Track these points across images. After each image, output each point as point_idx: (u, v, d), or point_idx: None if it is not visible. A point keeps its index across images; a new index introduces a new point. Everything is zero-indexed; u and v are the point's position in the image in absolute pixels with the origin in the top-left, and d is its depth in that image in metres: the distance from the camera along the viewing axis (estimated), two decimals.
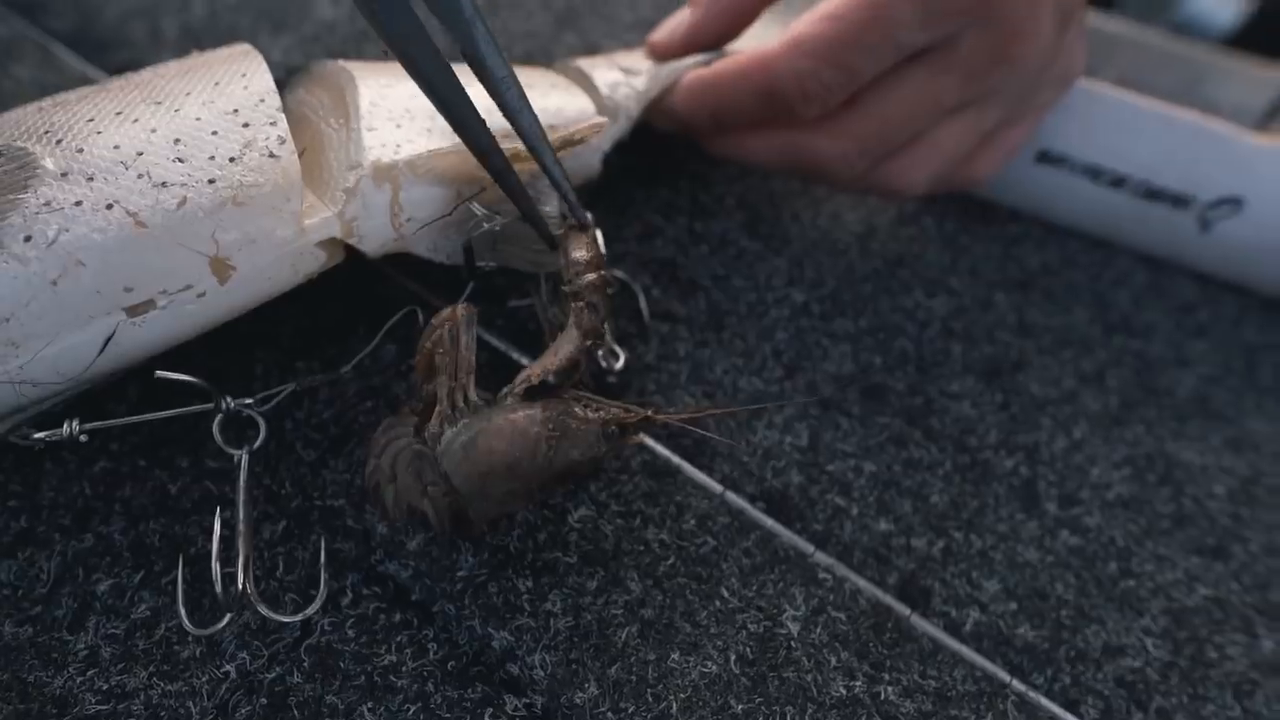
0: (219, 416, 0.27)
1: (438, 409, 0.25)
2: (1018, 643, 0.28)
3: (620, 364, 0.31)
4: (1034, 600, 0.29)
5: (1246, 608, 0.30)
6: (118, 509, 0.27)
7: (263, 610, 0.24)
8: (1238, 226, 0.37)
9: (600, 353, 0.31)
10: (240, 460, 0.27)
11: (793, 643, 0.26)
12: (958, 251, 0.40)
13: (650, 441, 0.30)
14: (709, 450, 0.31)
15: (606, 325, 0.29)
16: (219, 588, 0.24)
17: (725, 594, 0.27)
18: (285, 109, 0.31)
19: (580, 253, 0.28)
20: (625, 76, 0.35)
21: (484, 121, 0.26)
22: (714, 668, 0.26)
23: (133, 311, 0.23)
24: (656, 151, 0.39)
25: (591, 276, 0.27)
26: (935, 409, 0.34)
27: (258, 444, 0.27)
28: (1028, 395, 0.35)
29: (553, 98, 0.33)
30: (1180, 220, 0.38)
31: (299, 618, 0.25)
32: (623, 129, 0.34)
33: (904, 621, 0.28)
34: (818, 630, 0.27)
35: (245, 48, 0.29)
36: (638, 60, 0.36)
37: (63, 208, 0.22)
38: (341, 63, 0.30)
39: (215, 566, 0.24)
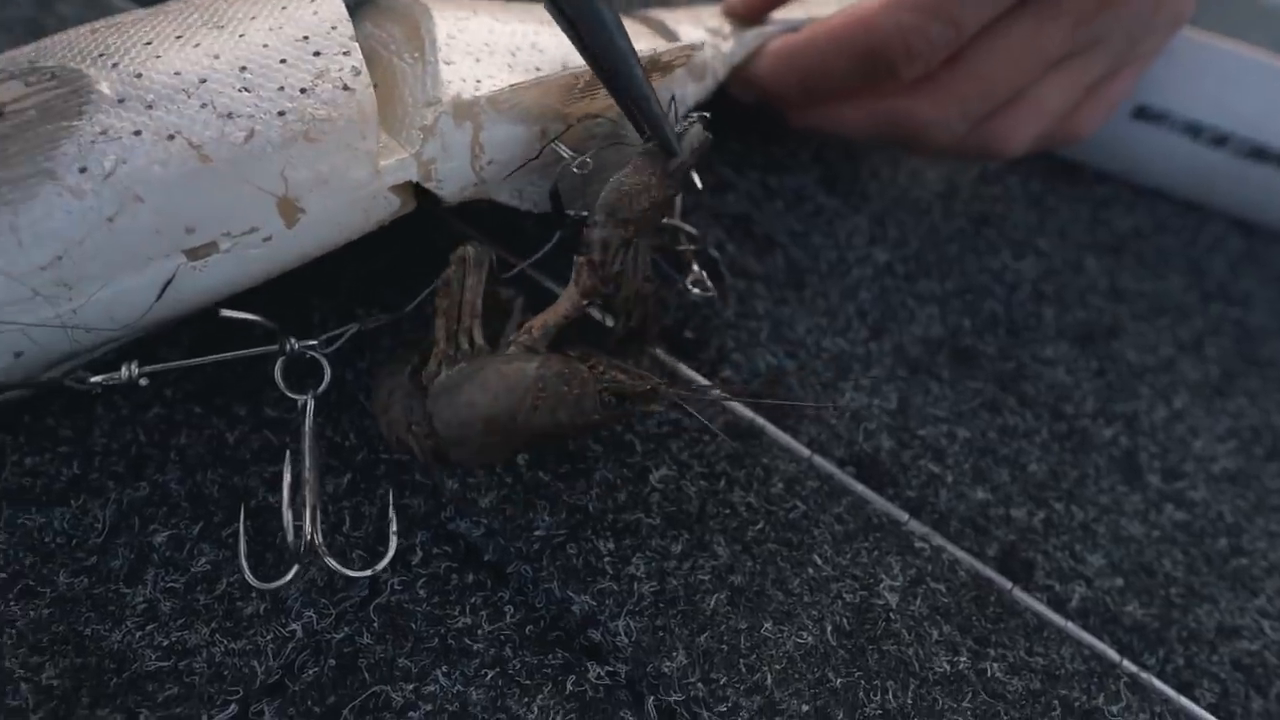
0: (281, 359, 0.25)
1: (435, 349, 0.24)
2: (1126, 621, 0.26)
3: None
4: (1141, 576, 0.27)
5: None
6: (173, 457, 0.25)
7: (331, 563, 0.23)
8: None
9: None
10: (306, 405, 0.25)
11: (891, 614, 0.25)
12: (1044, 212, 0.38)
13: (732, 401, 0.28)
14: (795, 411, 0.29)
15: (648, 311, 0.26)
16: (290, 535, 0.22)
17: (818, 561, 0.25)
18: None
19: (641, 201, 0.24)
20: (711, 36, 0.32)
21: (616, 23, 0.22)
22: (809, 639, 0.24)
23: (194, 254, 0.22)
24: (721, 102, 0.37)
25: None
26: (1028, 374, 0.32)
27: (322, 388, 0.25)
28: (1124, 362, 0.33)
29: (641, 41, 0.31)
30: None
31: (368, 573, 0.23)
32: (708, 89, 0.32)
33: (1006, 595, 0.26)
34: (917, 602, 0.25)
35: None
36: (722, 20, 0.34)
37: (120, 137, 0.21)
38: None
39: (286, 514, 0.23)
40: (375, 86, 0.27)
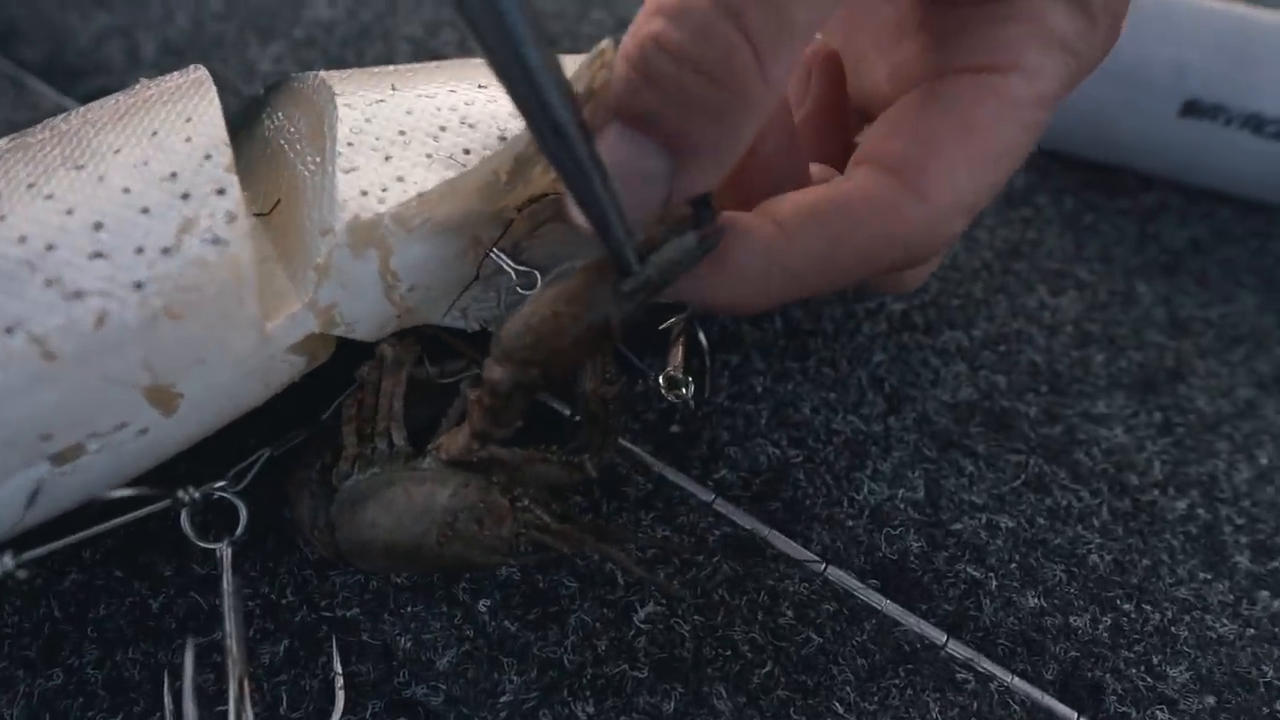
0: (184, 510, 0.22)
1: (345, 449, 0.22)
2: None
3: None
4: (1237, 691, 0.23)
5: None
6: (91, 634, 0.22)
7: None
8: None
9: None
10: (222, 556, 0.22)
11: None
12: (1083, 233, 0.33)
13: (728, 509, 0.24)
14: (804, 514, 0.25)
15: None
16: None
17: (839, 709, 0.21)
18: (262, 140, 0.25)
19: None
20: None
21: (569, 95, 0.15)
22: None
23: (59, 460, 0.18)
24: None
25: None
26: (1080, 439, 0.27)
27: (239, 532, 0.23)
28: (1194, 412, 0.28)
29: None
30: None
31: None
32: None
33: None
34: None
35: (198, 75, 0.23)
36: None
37: None
38: (324, 75, 0.25)
39: (189, 708, 0.19)
40: (278, 202, 0.23)
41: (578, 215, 0.17)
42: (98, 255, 0.19)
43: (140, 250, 0.19)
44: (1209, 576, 0.25)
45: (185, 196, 0.20)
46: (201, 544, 0.22)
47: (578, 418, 0.23)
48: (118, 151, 0.21)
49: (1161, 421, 0.28)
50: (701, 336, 0.27)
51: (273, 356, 0.20)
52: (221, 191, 0.20)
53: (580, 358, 0.20)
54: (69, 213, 0.19)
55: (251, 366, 0.20)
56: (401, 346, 0.23)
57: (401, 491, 0.21)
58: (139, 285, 0.19)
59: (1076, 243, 0.32)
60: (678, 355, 0.25)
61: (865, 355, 0.28)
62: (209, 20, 0.39)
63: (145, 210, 0.19)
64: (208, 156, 0.21)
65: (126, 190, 0.20)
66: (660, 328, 0.26)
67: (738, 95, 0.17)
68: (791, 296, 0.20)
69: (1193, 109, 0.31)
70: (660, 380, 0.25)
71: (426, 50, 0.38)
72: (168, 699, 0.21)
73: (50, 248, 0.19)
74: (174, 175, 0.20)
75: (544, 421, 0.25)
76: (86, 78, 0.37)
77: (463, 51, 0.38)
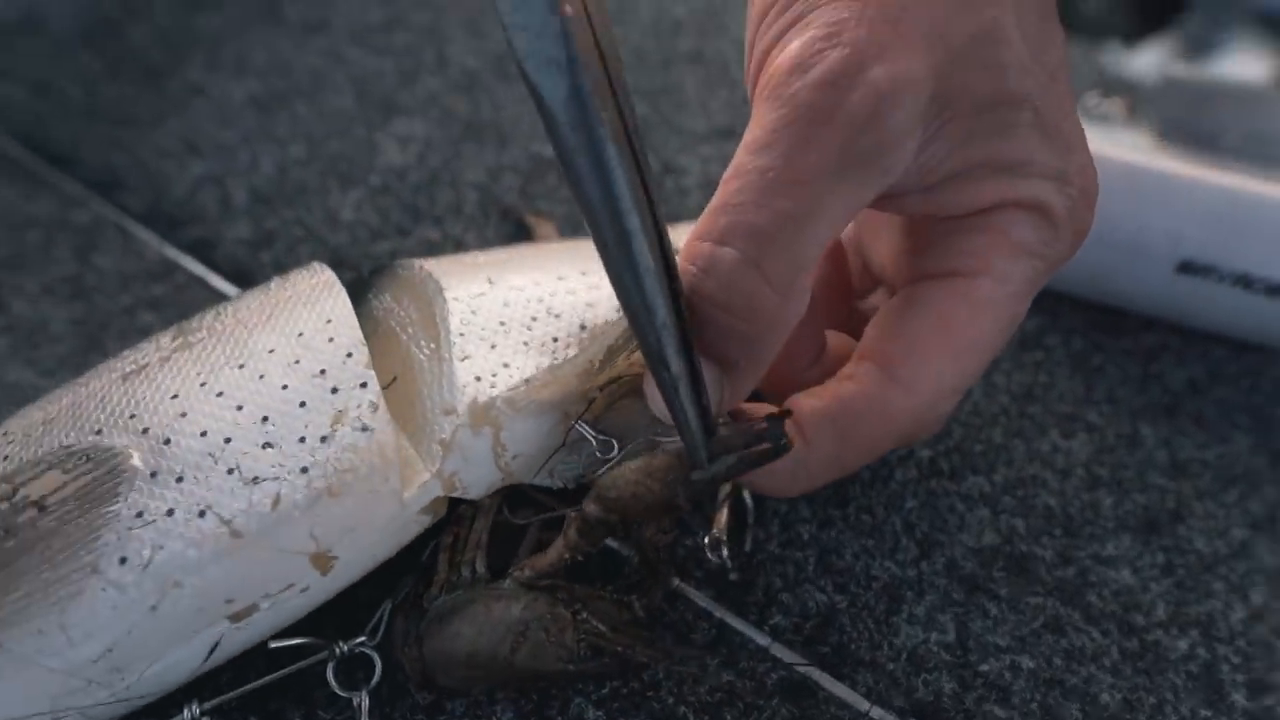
0: (332, 663, 0.26)
1: (437, 576, 0.26)
2: None
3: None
4: None
5: None
6: None
7: None
8: None
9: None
10: (361, 704, 0.26)
11: None
12: (1091, 375, 0.36)
13: (783, 653, 0.28)
14: (850, 658, 0.28)
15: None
16: None
17: None
18: (372, 319, 0.29)
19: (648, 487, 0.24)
20: None
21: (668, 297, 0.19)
22: None
23: (236, 619, 0.22)
24: None
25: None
26: (1091, 580, 0.30)
27: (374, 682, 0.26)
28: (1193, 553, 0.31)
29: None
30: None
31: None
32: None
33: None
34: None
35: (326, 277, 0.27)
36: None
37: (155, 519, 0.21)
38: (428, 267, 0.29)
39: None
40: (394, 380, 0.27)
41: (653, 394, 0.22)
42: (268, 445, 0.23)
43: (302, 440, 0.23)
44: (1209, 714, 0.28)
45: (335, 391, 0.24)
46: (342, 693, 0.25)
47: (636, 559, 0.27)
48: (271, 351, 0.25)
49: (1164, 563, 0.31)
50: (748, 496, 0.30)
51: (408, 519, 0.24)
52: (364, 385, 0.24)
53: (652, 516, 0.24)
54: (239, 408, 0.23)
55: (391, 529, 0.24)
56: (493, 498, 0.27)
57: (482, 606, 0.25)
58: (305, 470, 0.22)
59: (1086, 384, 0.36)
60: (722, 519, 0.29)
61: (899, 502, 0.32)
62: (292, 166, 0.44)
63: (303, 404, 0.23)
64: (349, 355, 0.25)
65: (285, 387, 0.24)
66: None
67: (764, 326, 0.21)
68: (816, 486, 0.25)
69: (1187, 268, 0.35)
70: (705, 541, 0.28)
71: (491, 196, 0.42)
72: None
73: (228, 441, 0.23)
74: (323, 372, 0.24)
75: (606, 569, 0.28)
76: (186, 226, 0.41)
77: (524, 197, 0.42)
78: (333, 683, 0.26)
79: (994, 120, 0.22)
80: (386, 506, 0.23)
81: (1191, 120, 0.40)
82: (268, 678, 0.25)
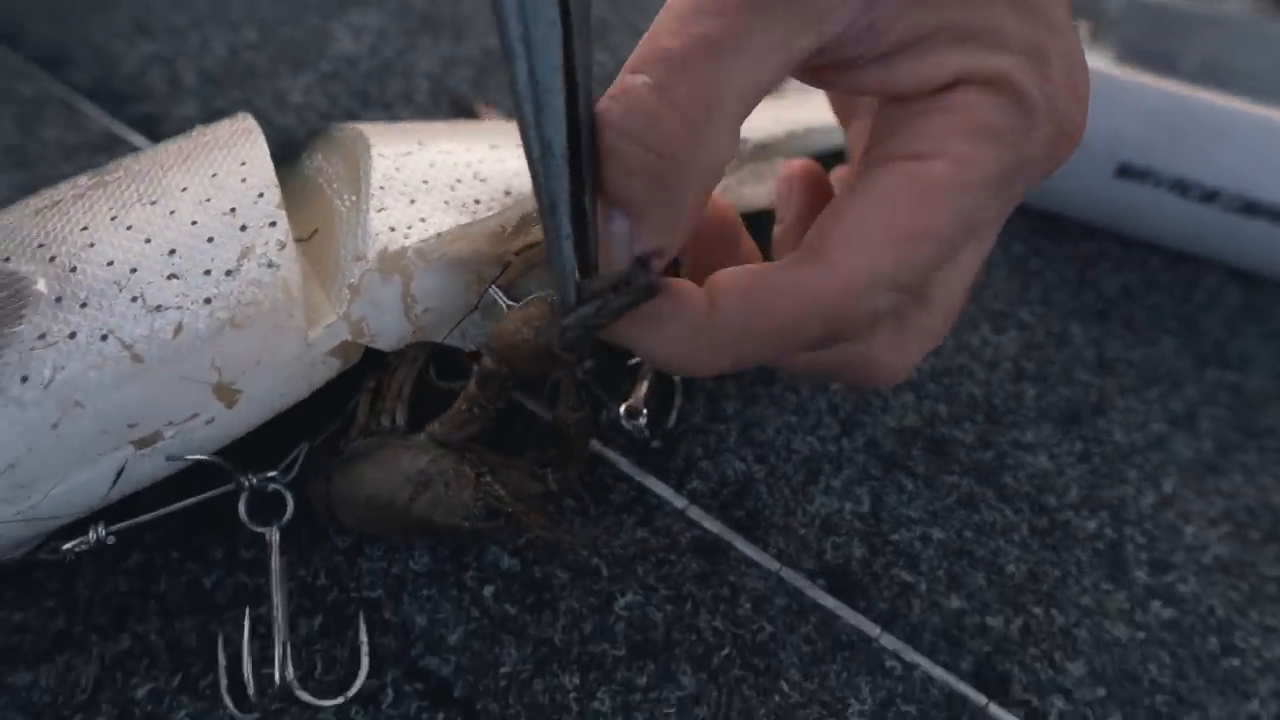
0: (244, 495, 0.26)
1: (356, 421, 0.26)
2: None
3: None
4: (1125, 684, 0.27)
5: None
6: (153, 606, 0.26)
7: (305, 696, 0.24)
8: None
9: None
10: (271, 538, 0.26)
11: None
12: (1027, 277, 0.37)
13: (698, 516, 0.28)
14: (764, 522, 0.29)
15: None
16: (251, 691, 0.23)
17: (785, 687, 0.25)
18: (301, 176, 0.29)
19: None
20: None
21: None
22: None
23: (140, 444, 0.22)
24: None
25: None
26: (1008, 464, 0.31)
27: (286, 519, 0.26)
28: (1110, 443, 0.32)
29: None
30: None
31: (340, 699, 0.24)
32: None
33: (981, 712, 0.25)
34: None
35: (247, 124, 0.27)
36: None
37: (57, 341, 0.21)
38: (361, 127, 0.29)
39: (247, 666, 0.24)
40: (315, 231, 0.27)
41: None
42: (173, 276, 0.23)
43: (208, 272, 0.23)
44: (1110, 587, 0.29)
45: (244, 228, 0.24)
46: (253, 528, 0.26)
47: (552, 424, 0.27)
48: (184, 190, 0.25)
49: (1081, 450, 0.32)
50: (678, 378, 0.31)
51: (314, 359, 0.24)
52: (273, 224, 0.24)
53: (537, 369, 0.23)
54: (147, 241, 0.23)
55: (297, 368, 0.24)
56: (417, 347, 0.27)
57: (391, 453, 0.25)
58: (208, 301, 0.23)
59: (1021, 285, 0.36)
60: (641, 390, 0.29)
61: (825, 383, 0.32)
62: (243, 50, 0.43)
63: (210, 239, 0.24)
64: (261, 195, 0.25)
65: (194, 223, 0.24)
66: (629, 364, 0.30)
67: (669, 159, 0.18)
68: (728, 363, 0.21)
69: (1126, 171, 0.35)
70: (621, 410, 0.29)
71: (442, 86, 0.42)
72: (221, 659, 0.25)
73: (133, 271, 0.23)
74: (233, 210, 0.24)
75: (526, 440, 0.28)
76: (133, 103, 0.40)
77: (476, 89, 0.42)
78: (244, 515, 0.26)
79: None
80: (291, 343, 0.23)
81: (1151, 43, 0.40)
82: (176, 505, 0.25)
